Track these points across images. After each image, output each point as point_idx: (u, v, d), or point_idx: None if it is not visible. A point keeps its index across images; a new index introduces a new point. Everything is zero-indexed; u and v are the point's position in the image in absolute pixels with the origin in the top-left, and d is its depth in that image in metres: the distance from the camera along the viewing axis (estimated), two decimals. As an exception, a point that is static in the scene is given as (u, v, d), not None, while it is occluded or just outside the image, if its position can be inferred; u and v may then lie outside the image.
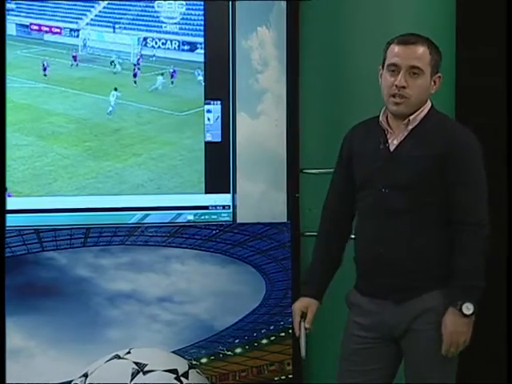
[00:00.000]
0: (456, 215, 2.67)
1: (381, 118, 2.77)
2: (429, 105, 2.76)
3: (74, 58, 3.83)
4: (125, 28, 3.87)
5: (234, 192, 3.94)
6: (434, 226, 2.69)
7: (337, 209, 2.91)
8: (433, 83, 2.72)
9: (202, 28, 3.88)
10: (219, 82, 3.91)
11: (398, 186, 2.69)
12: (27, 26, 3.81)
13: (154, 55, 3.89)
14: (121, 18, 3.87)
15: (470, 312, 2.62)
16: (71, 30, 3.85)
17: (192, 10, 3.88)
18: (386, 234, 2.72)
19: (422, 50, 2.68)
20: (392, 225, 2.71)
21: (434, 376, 2.73)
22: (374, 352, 2.80)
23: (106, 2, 3.84)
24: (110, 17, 3.87)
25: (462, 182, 2.66)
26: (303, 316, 2.88)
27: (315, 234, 3.03)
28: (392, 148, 2.73)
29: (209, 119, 3.91)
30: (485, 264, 2.67)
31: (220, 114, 3.92)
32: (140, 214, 3.89)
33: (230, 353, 3.87)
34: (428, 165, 2.67)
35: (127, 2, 3.85)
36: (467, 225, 2.65)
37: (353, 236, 2.90)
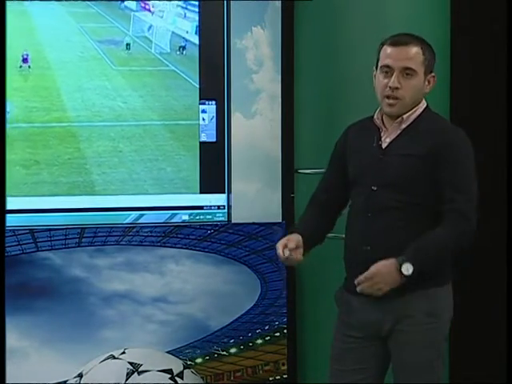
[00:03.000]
0: (444, 206, 2.64)
1: (375, 117, 2.78)
2: (424, 104, 2.76)
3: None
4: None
5: (229, 192, 3.94)
6: (422, 225, 2.68)
7: (323, 199, 2.92)
8: (427, 83, 2.72)
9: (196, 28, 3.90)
10: (214, 82, 3.91)
11: (387, 184, 2.69)
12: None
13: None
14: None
15: (407, 273, 2.57)
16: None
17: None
18: (372, 232, 2.71)
19: (414, 50, 2.68)
20: (379, 223, 2.70)
21: (421, 377, 2.71)
22: (361, 351, 2.79)
23: None
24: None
25: (450, 183, 2.63)
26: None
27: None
28: (384, 146, 2.74)
29: (204, 119, 3.91)
30: (450, 255, 2.65)
31: (215, 114, 3.92)
32: (135, 213, 3.89)
33: (224, 353, 3.87)
34: (418, 164, 2.66)
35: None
36: (452, 211, 2.60)
37: (343, 236, 2.89)
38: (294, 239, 2.75)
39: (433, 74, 2.73)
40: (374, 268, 2.59)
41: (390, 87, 2.66)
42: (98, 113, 3.84)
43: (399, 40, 2.70)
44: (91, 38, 3.83)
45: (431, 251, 2.63)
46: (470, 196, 2.65)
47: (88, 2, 3.80)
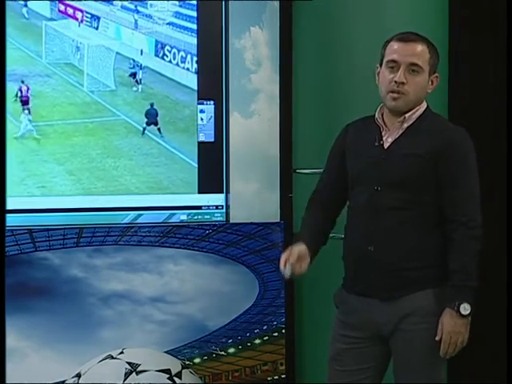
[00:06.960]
0: (447, 214, 2.68)
1: (376, 115, 2.78)
2: (424, 105, 2.78)
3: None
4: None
5: (228, 192, 3.94)
6: (426, 224, 2.70)
7: (325, 196, 2.92)
8: (430, 83, 2.73)
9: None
10: (212, 82, 3.91)
11: (391, 184, 2.70)
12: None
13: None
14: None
15: (467, 312, 2.63)
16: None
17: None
18: (376, 232, 2.72)
19: (421, 47, 2.70)
20: (383, 223, 2.71)
21: (423, 377, 2.73)
22: (361, 352, 2.80)
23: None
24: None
25: (453, 182, 2.67)
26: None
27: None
28: (386, 145, 2.74)
29: (202, 119, 3.91)
30: (477, 264, 2.67)
31: (213, 114, 3.92)
32: (133, 213, 3.89)
33: (223, 353, 3.87)
34: (421, 163, 2.67)
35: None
36: (456, 224, 2.65)
37: (342, 236, 2.89)
38: (296, 252, 2.71)
39: (436, 75, 2.74)
40: (443, 333, 2.65)
41: (395, 82, 2.68)
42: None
43: (407, 37, 2.73)
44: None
45: (464, 276, 2.64)
46: (472, 195, 2.69)
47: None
